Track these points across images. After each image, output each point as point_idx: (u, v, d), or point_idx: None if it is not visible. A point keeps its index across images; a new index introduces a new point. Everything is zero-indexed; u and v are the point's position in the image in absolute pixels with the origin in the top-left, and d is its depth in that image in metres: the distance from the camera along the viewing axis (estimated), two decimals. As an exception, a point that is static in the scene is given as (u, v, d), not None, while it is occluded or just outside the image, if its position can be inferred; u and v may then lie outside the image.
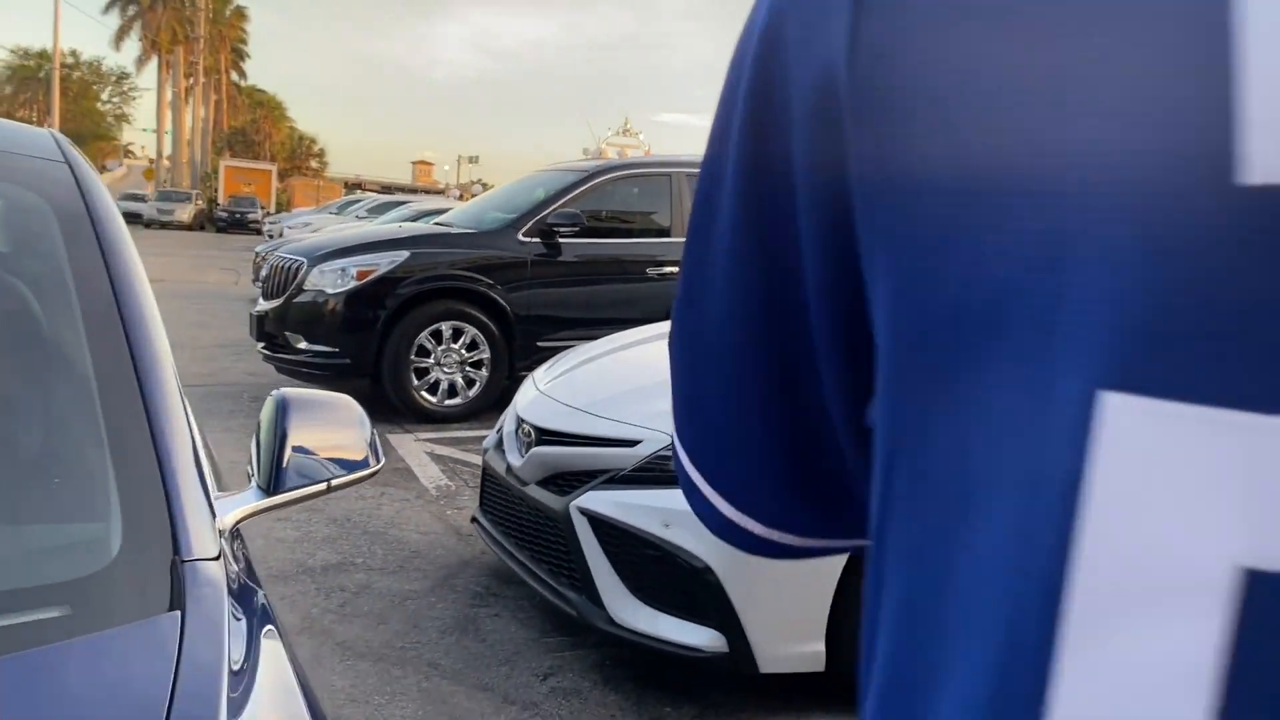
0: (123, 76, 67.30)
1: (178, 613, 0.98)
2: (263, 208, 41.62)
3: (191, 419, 1.67)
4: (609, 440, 3.11)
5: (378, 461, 1.51)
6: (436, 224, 7.56)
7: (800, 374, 0.45)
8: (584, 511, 3.02)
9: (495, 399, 6.43)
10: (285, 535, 4.20)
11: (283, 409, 1.41)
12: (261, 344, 6.79)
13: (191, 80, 56.59)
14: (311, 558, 3.99)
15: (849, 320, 0.40)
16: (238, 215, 39.34)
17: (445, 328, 6.47)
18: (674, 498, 2.85)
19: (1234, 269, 0.26)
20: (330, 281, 6.38)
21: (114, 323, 1.30)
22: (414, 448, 5.89)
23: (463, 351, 6.52)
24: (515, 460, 3.41)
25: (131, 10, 55.26)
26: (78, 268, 1.38)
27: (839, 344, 0.42)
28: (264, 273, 6.96)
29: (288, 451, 1.36)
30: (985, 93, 0.31)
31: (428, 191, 62.17)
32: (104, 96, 69.41)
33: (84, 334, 1.30)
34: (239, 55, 68.97)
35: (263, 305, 6.83)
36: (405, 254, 6.45)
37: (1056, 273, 0.29)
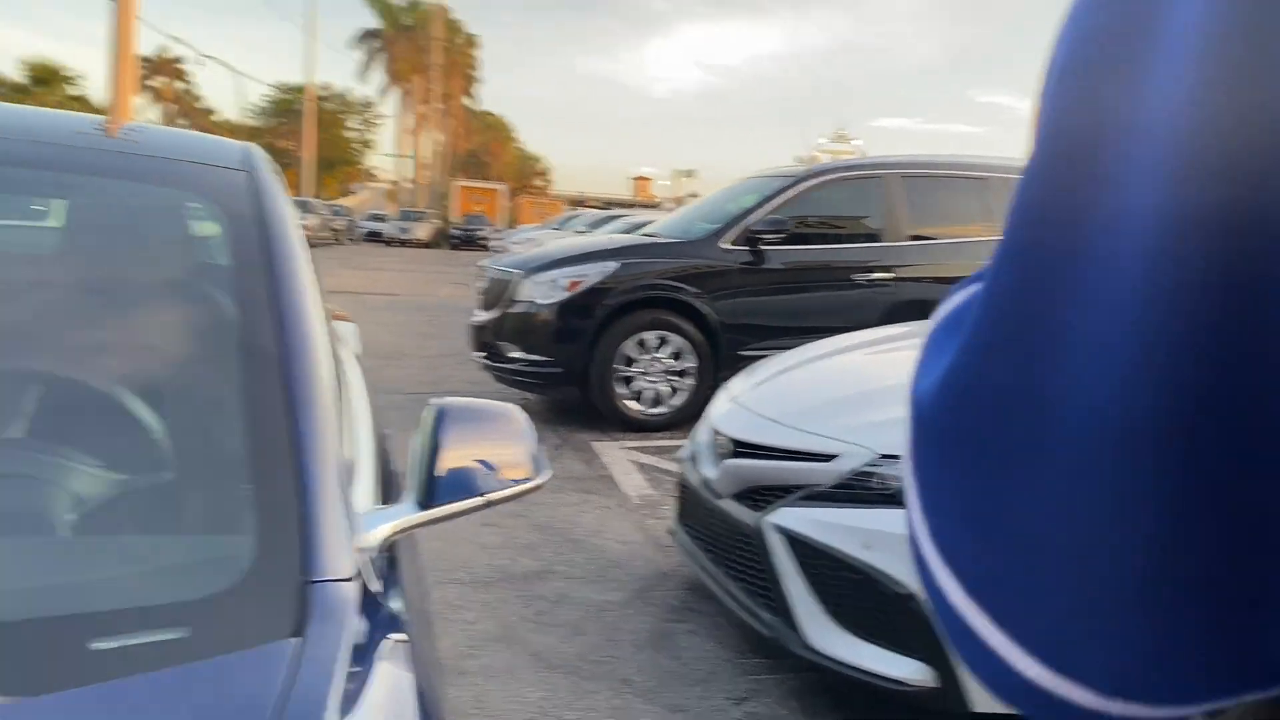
0: (367, 105, 72.50)
1: (297, 640, 0.93)
2: (492, 225, 43.75)
3: (367, 430, 1.66)
4: (806, 454, 2.95)
5: (539, 475, 1.44)
6: (644, 234, 7.59)
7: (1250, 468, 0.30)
8: (779, 529, 2.87)
9: (699, 408, 6.33)
10: (489, 541, 4.27)
11: (440, 419, 1.36)
12: (480, 353, 7.02)
13: (428, 107, 60.22)
14: (514, 564, 4.04)
15: None
16: (469, 232, 41.60)
17: (651, 337, 6.46)
18: (875, 517, 2.66)
19: None
20: (542, 292, 6.52)
21: (267, 333, 1.29)
22: (618, 455, 5.90)
23: (668, 360, 6.49)
24: (710, 472, 3.31)
25: (375, 44, 59.52)
26: (241, 276, 1.39)
27: None
28: (482, 285, 7.20)
29: (443, 464, 1.31)
30: None
31: (646, 206, 63.37)
32: (352, 124, 74.99)
33: (236, 342, 1.30)
34: (471, 81, 72.80)
35: (481, 316, 7.07)
36: (614, 265, 6.49)
37: None
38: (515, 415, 1.45)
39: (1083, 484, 0.32)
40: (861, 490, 2.76)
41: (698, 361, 6.52)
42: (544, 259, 6.84)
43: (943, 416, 0.37)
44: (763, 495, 3.04)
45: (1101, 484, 0.31)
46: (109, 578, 1.07)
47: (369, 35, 59.62)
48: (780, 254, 6.65)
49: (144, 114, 68.66)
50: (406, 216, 43.90)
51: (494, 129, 77.21)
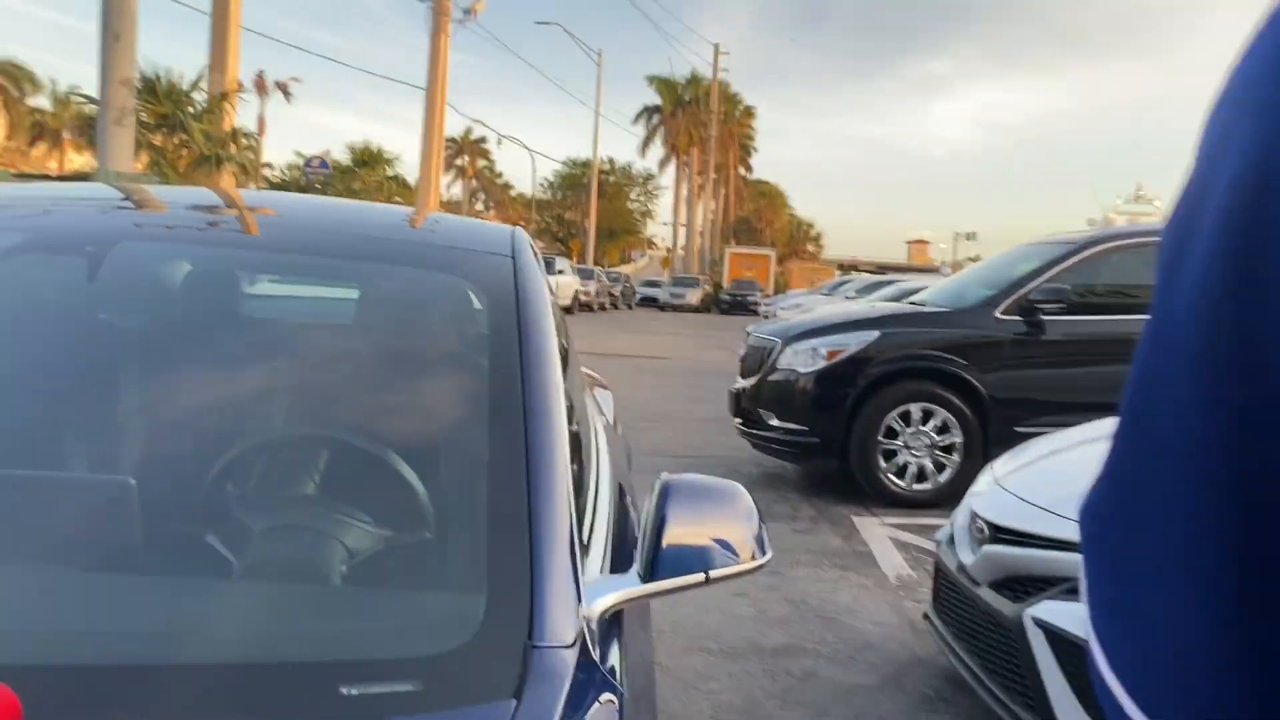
0: (648, 178, 75.81)
1: (513, 701, 0.99)
2: (761, 290, 44.20)
3: (607, 496, 1.74)
4: (1072, 545, 2.74)
5: (764, 555, 1.44)
6: (910, 303, 7.41)
7: None
8: (1040, 623, 2.68)
9: (967, 486, 6.06)
10: (741, 612, 4.27)
11: (666, 494, 1.40)
12: (738, 420, 7.09)
13: (703, 177, 62.08)
14: (763, 637, 4.01)
15: None
16: (739, 298, 42.25)
17: (915, 409, 6.27)
18: (1150, 618, 2.43)
19: None
20: (802, 361, 6.51)
21: (514, 404, 1.38)
22: (878, 532, 5.73)
23: (933, 434, 6.27)
24: (967, 557, 3.15)
25: (655, 120, 62.27)
26: (494, 352, 1.50)
27: None
28: (742, 352, 7.29)
29: (668, 538, 1.35)
30: None
31: (921, 270, 61.74)
32: (633, 196, 78.59)
33: (487, 412, 1.40)
34: (746, 151, 74.40)
35: (740, 383, 7.15)
36: (875, 334, 6.38)
37: None
38: (741, 495, 1.47)
39: (1171, 588, 0.40)
40: (1135, 588, 2.53)
41: (965, 436, 6.24)
42: (804, 327, 6.83)
43: (1090, 525, 0.46)
44: (1023, 586, 2.86)
45: (1183, 592, 0.39)
46: (357, 628, 1.19)
47: (650, 111, 62.43)
48: (1061, 325, 6.29)
49: (450, 190, 75.36)
50: (679, 283, 45.22)
51: (767, 196, 78.24)
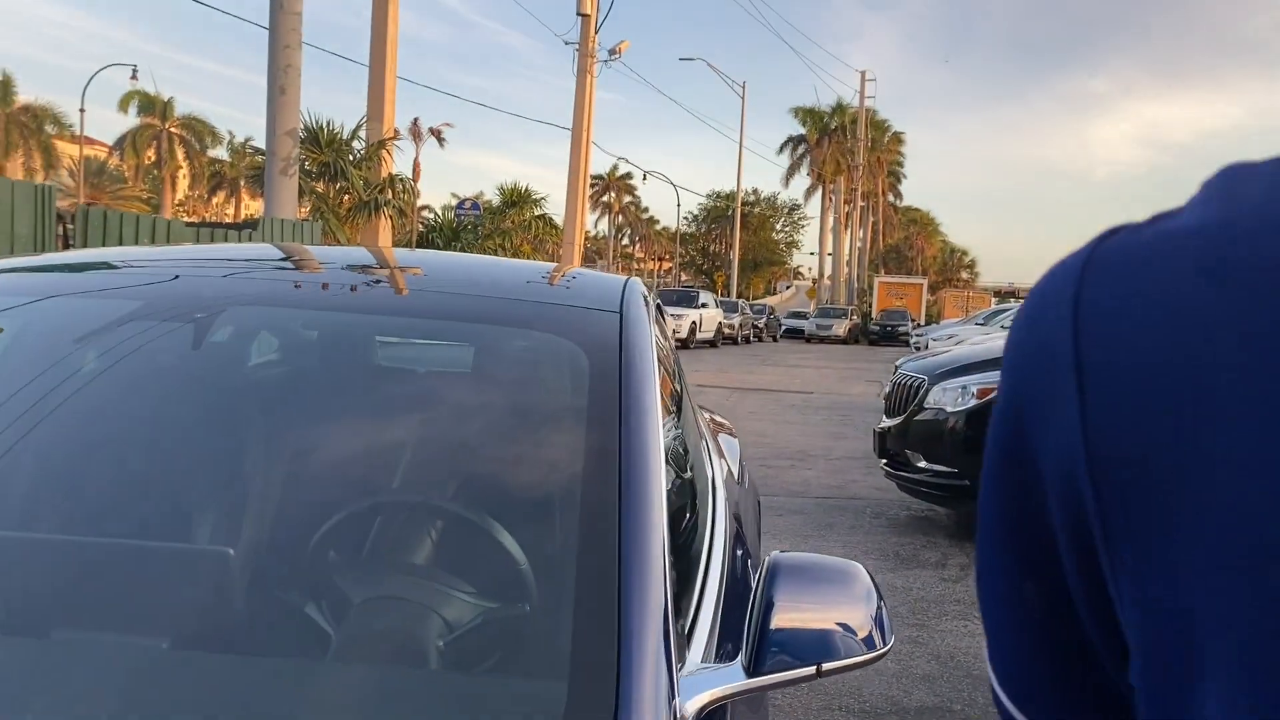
0: (794, 208, 75.28)
1: None
2: (912, 320, 43.08)
3: (714, 570, 1.64)
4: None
5: (884, 643, 1.31)
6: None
7: (1074, 637, 0.47)
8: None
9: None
10: (884, 667, 4.05)
11: (774, 575, 1.29)
12: (883, 460, 6.83)
13: (850, 206, 61.24)
14: (908, 696, 3.79)
15: (1103, 611, 0.43)
16: (889, 328, 41.28)
17: (1074, 450, 5.89)
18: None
19: None
20: (951, 400, 6.22)
21: (610, 480, 1.31)
22: (1035, 582, 5.39)
23: (1095, 477, 5.87)
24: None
25: (800, 149, 61.88)
26: (592, 416, 1.43)
27: (1100, 625, 0.45)
28: (886, 390, 7.04)
29: (773, 625, 1.24)
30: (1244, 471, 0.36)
31: (1083, 295, 58.78)
32: (778, 226, 78.20)
33: (580, 487, 1.33)
34: (895, 178, 73.11)
35: (885, 422, 6.89)
36: (1029, 370, 6.04)
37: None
38: (858, 575, 1.35)
39: (1020, 631, 0.52)
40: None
41: (1131, 479, 5.82)
42: (953, 364, 6.54)
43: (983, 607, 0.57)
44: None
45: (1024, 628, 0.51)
46: (434, 713, 1.13)
47: (794, 141, 62.12)
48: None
49: (598, 225, 76.77)
50: (825, 314, 44.57)
51: (917, 223, 76.51)
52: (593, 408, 1.46)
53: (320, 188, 17.02)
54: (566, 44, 26.97)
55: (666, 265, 79.23)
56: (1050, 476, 0.43)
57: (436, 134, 21.01)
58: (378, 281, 1.93)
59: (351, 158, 17.02)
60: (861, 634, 1.29)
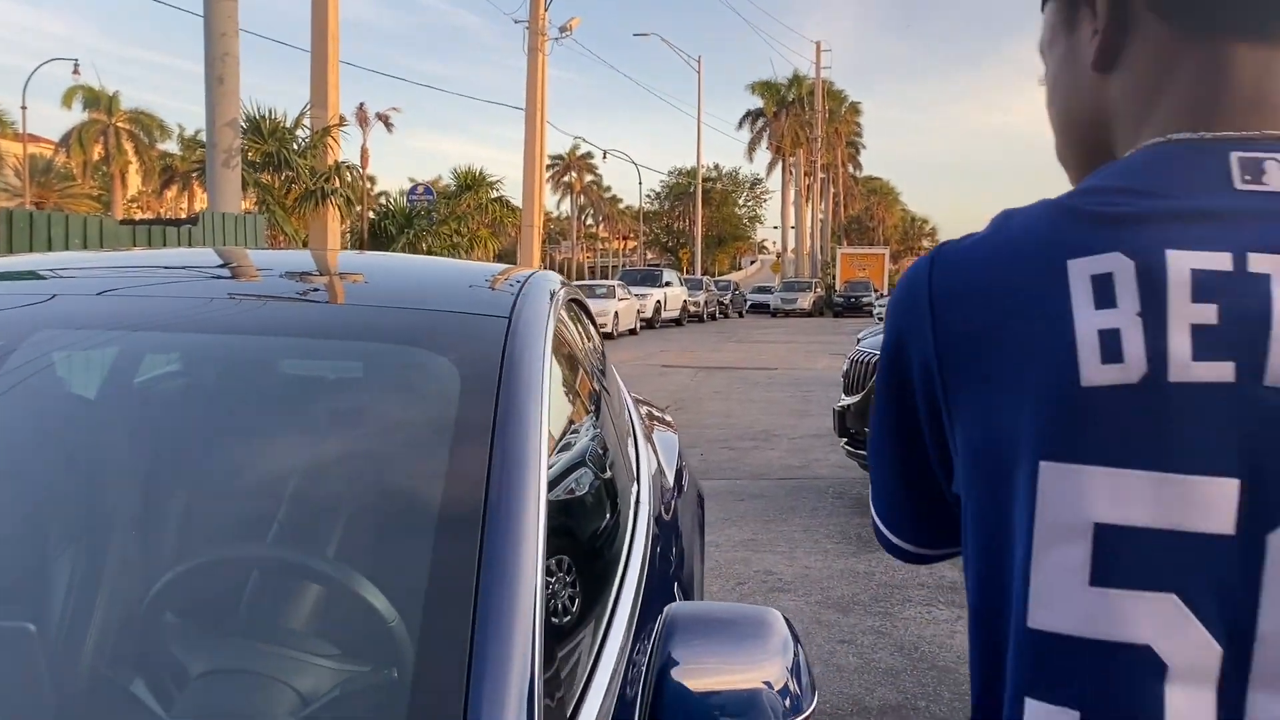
0: (756, 182, 74.93)
1: None
2: (875, 290, 43.11)
3: (620, 611, 1.43)
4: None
5: (806, 705, 1.11)
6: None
7: (925, 469, 0.80)
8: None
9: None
10: (845, 662, 3.88)
11: (672, 632, 1.08)
12: (843, 440, 6.67)
13: (810, 178, 61.05)
14: (870, 694, 3.62)
15: (943, 448, 0.77)
16: (853, 299, 41.36)
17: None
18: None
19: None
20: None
21: (470, 520, 1.09)
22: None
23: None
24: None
25: (759, 123, 61.61)
26: (458, 443, 1.22)
27: (942, 458, 0.78)
28: (845, 368, 6.87)
29: (669, 691, 1.03)
30: (1006, 362, 0.69)
31: (1044, 259, 59.28)
32: (741, 201, 77.86)
33: (434, 530, 1.12)
34: (854, 149, 73.03)
35: (844, 400, 6.72)
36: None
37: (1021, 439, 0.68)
38: (771, 625, 1.14)
39: (892, 467, 0.85)
40: None
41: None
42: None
43: (872, 458, 0.91)
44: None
45: (897, 465, 0.85)
46: None
47: (753, 115, 61.85)
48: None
49: (560, 206, 76.16)
50: (789, 287, 44.48)
51: (878, 193, 76.59)
52: (460, 433, 1.24)
53: (266, 179, 16.57)
54: (516, 22, 26.56)
55: (631, 244, 78.86)
56: (917, 370, 0.76)
57: (384, 119, 20.48)
58: (235, 295, 1.69)
59: (296, 146, 16.57)
60: (775, 696, 1.08)
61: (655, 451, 2.69)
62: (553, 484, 1.51)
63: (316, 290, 1.78)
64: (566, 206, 76.61)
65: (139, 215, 51.47)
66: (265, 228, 13.85)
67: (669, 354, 19.97)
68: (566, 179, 74.48)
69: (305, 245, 16.78)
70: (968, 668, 3.21)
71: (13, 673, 1.12)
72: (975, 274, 0.72)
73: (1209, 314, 0.64)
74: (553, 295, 1.79)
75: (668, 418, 3.39)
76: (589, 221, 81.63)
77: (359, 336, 1.46)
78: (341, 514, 1.27)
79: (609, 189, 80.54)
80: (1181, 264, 0.64)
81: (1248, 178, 0.67)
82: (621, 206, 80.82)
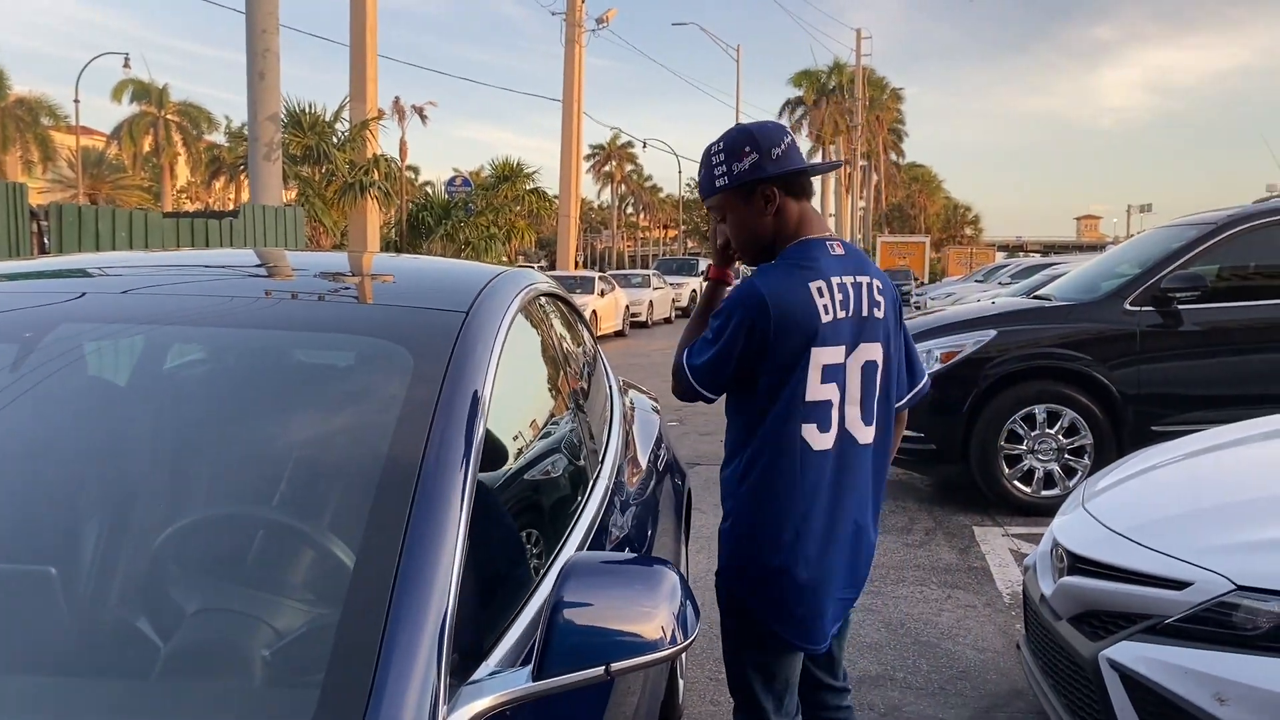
0: (795, 170, 74.30)
1: None
2: (915, 279, 42.79)
3: (549, 578, 1.65)
4: (1151, 578, 2.48)
5: (685, 637, 1.32)
6: (1034, 297, 6.98)
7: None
8: (1115, 665, 2.44)
9: (1100, 492, 5.66)
10: (832, 636, 4.08)
11: (565, 576, 1.30)
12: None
13: (850, 166, 60.69)
14: (850, 665, 3.81)
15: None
16: (897, 292, 40.85)
17: (1039, 411, 5.89)
18: (1231, 664, 2.19)
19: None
20: (917, 364, 6.21)
21: (403, 489, 1.32)
22: (999, 544, 5.41)
23: (1060, 437, 5.87)
24: (1047, 588, 2.90)
25: (799, 112, 61.32)
26: (401, 424, 1.45)
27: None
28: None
29: (558, 625, 1.25)
30: (792, 320, 2.03)
31: (1091, 248, 58.52)
32: (780, 190, 77.13)
33: (373, 494, 1.34)
34: (896, 136, 72.33)
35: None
36: (991, 333, 6.03)
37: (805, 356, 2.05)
38: (658, 573, 1.35)
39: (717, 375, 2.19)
40: (1216, 629, 2.26)
41: (1096, 437, 5.82)
42: (919, 327, 6.52)
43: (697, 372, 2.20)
44: (1102, 623, 2.60)
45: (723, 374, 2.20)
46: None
47: (792, 104, 61.53)
48: (1198, 314, 5.79)
49: (601, 196, 76.29)
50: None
51: (920, 181, 75.89)
52: (406, 409, 1.47)
53: (306, 172, 16.98)
54: (553, 14, 26.76)
55: (672, 233, 78.82)
56: (758, 335, 2.01)
57: (420, 112, 20.91)
58: (198, 282, 1.95)
59: (335, 140, 16.95)
60: (657, 632, 1.30)
61: (633, 435, 2.91)
62: (500, 456, 1.74)
63: (299, 288, 2.02)
64: (607, 196, 76.84)
65: (188, 206, 52.52)
66: (305, 220, 14.22)
67: (702, 343, 20.15)
68: (607, 169, 74.57)
69: (344, 237, 17.19)
70: (951, 644, 3.48)
71: (37, 607, 1.37)
72: (792, 290, 2.06)
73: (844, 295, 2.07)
74: (519, 292, 2.02)
75: (653, 402, 3.61)
76: (629, 211, 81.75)
77: (329, 328, 1.71)
78: (300, 479, 1.51)
79: (649, 178, 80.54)
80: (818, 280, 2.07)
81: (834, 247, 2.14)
82: (662, 196, 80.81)
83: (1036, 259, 28.35)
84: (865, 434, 2.13)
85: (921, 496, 6.48)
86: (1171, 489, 2.93)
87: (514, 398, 1.97)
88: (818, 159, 63.62)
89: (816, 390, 2.04)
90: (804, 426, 2.04)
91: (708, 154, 2.16)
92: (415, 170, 28.56)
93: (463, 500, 1.35)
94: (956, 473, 6.26)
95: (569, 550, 1.77)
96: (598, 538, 1.96)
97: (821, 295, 2.04)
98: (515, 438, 1.88)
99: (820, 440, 2.06)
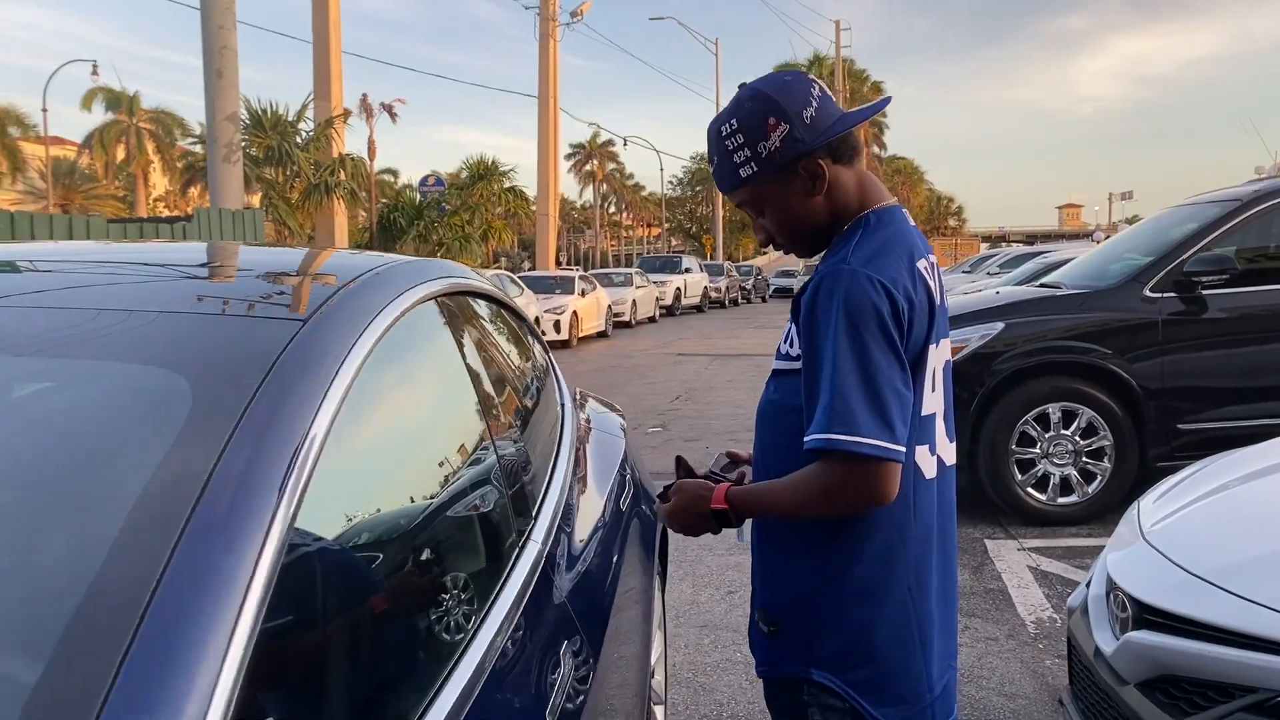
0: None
1: None
2: (902, 271, 42.29)
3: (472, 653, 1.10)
4: (1254, 639, 1.93)
5: None
6: (1041, 285, 6.44)
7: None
8: (1212, 757, 1.88)
9: (1123, 496, 5.13)
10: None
11: None
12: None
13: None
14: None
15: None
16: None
17: (1053, 410, 5.35)
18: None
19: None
20: (917, 361, 5.66)
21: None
22: (1015, 560, 4.86)
23: (1076, 439, 5.33)
24: (1106, 643, 2.35)
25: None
26: (149, 497, 0.88)
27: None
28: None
29: None
30: (916, 309, 1.48)
31: (1074, 236, 58.37)
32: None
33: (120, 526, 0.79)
34: (878, 128, 72.00)
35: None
36: (999, 325, 5.48)
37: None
38: None
39: None
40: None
41: (1116, 438, 5.29)
42: (919, 323, 5.97)
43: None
44: (1185, 693, 2.05)
45: None
46: None
47: (774, 97, 60.99)
48: (1224, 299, 5.26)
49: (583, 195, 75.68)
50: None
51: (902, 173, 75.65)
52: (155, 484, 0.91)
53: (270, 174, 16.31)
54: (526, 8, 26.17)
55: (656, 231, 78.29)
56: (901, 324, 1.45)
57: (389, 109, 20.18)
58: None
59: (299, 140, 16.29)
60: None
61: (587, 464, 2.34)
62: (365, 523, 1.18)
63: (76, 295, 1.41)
64: (589, 195, 76.21)
65: (165, 213, 51.52)
66: (267, 223, 13.59)
67: (686, 341, 19.59)
68: (588, 167, 73.97)
69: (311, 241, 16.53)
70: (974, 687, 2.80)
71: None
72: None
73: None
74: (403, 292, 1.45)
75: (619, 417, 3.03)
76: (612, 210, 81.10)
77: (62, 352, 1.12)
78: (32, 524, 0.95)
79: (631, 176, 79.86)
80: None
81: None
82: (645, 194, 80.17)
83: (1022, 248, 27.87)
84: (950, 452, 1.65)
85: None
86: (1260, 517, 2.37)
87: (397, 431, 1.41)
88: (799, 153, 62.66)
89: (929, 400, 1.55)
90: (917, 449, 1.53)
91: (718, 136, 1.55)
92: (394, 174, 27.76)
93: (253, 628, 0.79)
94: (963, 481, 5.71)
95: (476, 654, 1.20)
96: (531, 612, 1.40)
97: (930, 277, 1.55)
98: (396, 489, 1.32)
99: (929, 465, 1.57)
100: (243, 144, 14.24)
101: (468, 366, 1.69)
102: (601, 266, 52.07)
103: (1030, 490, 5.39)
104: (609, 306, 21.69)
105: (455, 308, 1.75)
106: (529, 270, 26.79)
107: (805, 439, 1.40)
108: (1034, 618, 4.09)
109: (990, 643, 3.86)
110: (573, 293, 19.46)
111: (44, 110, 53.48)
